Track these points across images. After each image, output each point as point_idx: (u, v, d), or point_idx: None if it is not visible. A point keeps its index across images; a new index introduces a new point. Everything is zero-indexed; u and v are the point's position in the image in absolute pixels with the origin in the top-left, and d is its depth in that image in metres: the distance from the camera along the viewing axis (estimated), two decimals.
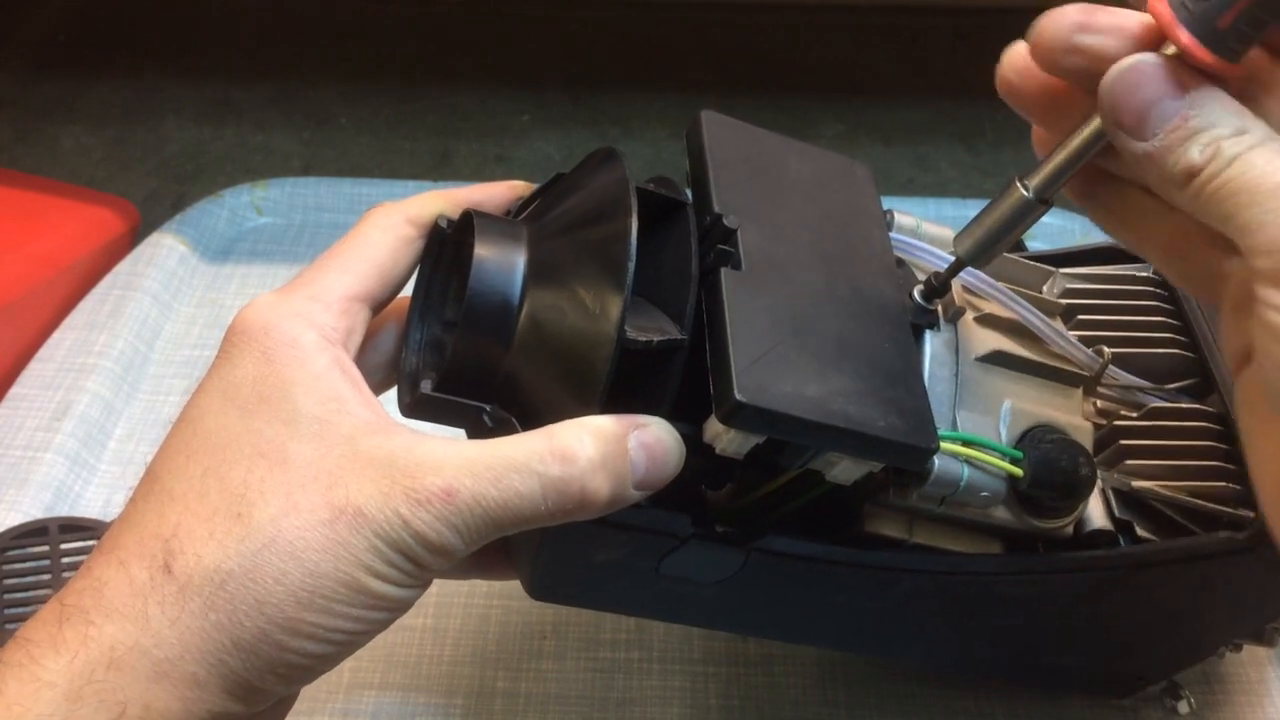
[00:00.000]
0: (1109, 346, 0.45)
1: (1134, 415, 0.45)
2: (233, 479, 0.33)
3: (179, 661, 0.31)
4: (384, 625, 0.34)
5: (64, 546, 0.55)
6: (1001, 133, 0.91)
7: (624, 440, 0.34)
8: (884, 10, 1.02)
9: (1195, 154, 0.29)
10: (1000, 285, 0.43)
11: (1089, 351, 0.44)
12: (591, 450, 0.33)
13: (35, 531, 0.55)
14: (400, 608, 0.34)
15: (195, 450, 0.34)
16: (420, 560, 0.33)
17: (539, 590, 0.42)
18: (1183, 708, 0.52)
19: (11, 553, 0.54)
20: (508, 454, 0.33)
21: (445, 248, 0.40)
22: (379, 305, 0.39)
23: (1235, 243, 0.30)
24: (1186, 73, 0.30)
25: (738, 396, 0.33)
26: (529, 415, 0.35)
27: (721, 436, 0.35)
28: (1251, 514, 0.42)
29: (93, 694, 0.30)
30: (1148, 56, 0.30)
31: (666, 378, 0.35)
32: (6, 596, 0.53)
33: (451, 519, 0.33)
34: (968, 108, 0.91)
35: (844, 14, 1.02)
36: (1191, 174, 0.30)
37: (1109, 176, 0.35)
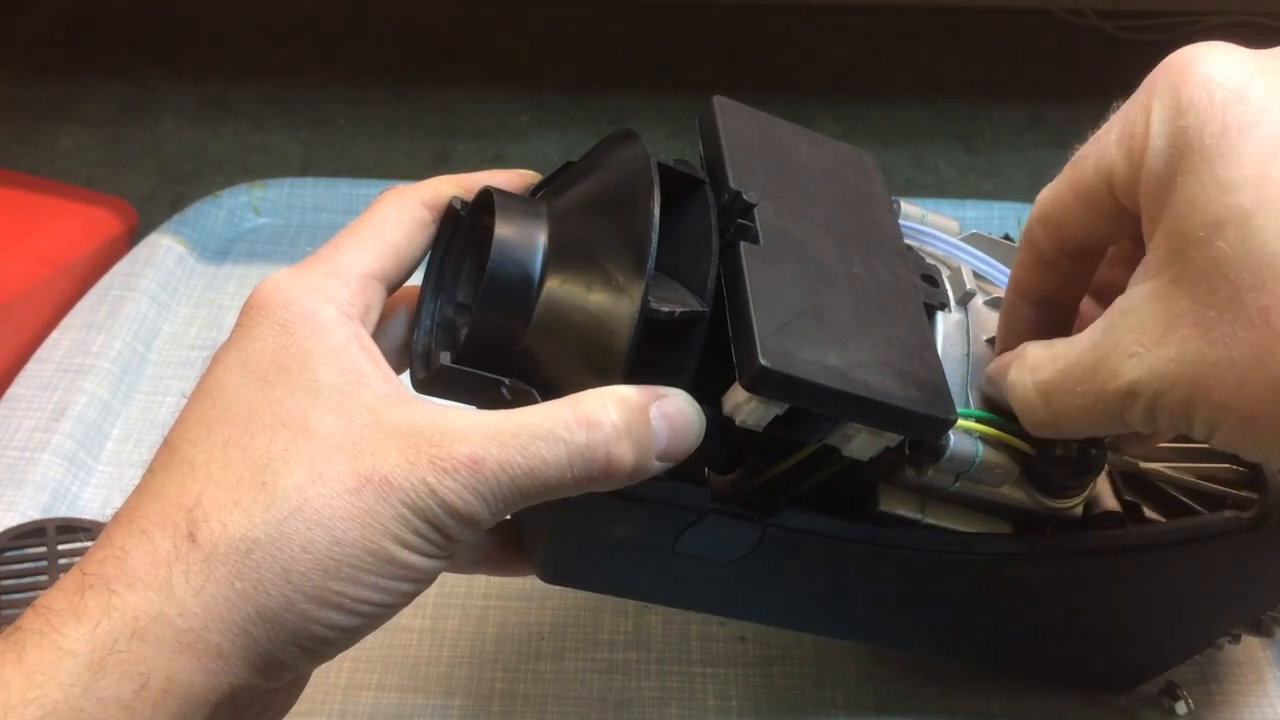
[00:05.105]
0: None
1: None
2: (255, 448, 0.33)
3: (203, 632, 0.31)
4: (409, 598, 0.34)
5: (61, 547, 0.55)
6: (999, 133, 0.90)
7: (646, 409, 0.34)
8: (882, 10, 1.02)
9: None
10: (1010, 270, 0.43)
11: None
12: (615, 417, 0.34)
13: (32, 532, 0.55)
14: (426, 579, 0.34)
15: (215, 421, 0.34)
16: (447, 530, 0.33)
17: (552, 573, 0.42)
18: (1180, 708, 0.52)
19: (9, 554, 0.54)
20: (533, 422, 0.33)
21: (458, 230, 0.40)
22: (393, 286, 0.39)
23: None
24: None
25: (762, 362, 0.33)
26: (547, 390, 0.35)
27: (743, 406, 0.35)
28: (1256, 495, 0.43)
29: (116, 664, 0.30)
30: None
31: (687, 351, 0.35)
32: (4, 598, 0.53)
33: (478, 487, 0.32)
34: (966, 108, 0.91)
35: (842, 14, 1.02)
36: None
37: None
